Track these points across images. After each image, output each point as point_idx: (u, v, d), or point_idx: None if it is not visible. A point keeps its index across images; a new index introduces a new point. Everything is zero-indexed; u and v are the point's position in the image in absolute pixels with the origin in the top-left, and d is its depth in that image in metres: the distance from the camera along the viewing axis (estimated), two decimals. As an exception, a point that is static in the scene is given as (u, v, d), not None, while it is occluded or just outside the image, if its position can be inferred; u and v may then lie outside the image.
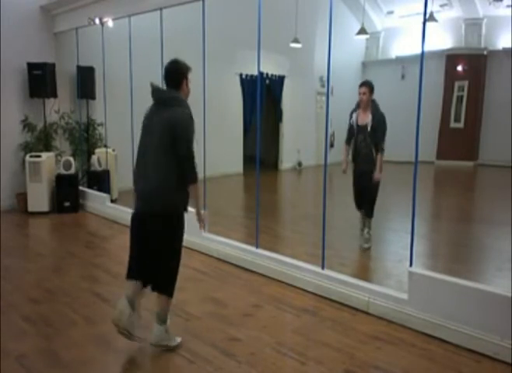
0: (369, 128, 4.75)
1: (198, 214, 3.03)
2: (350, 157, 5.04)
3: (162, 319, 2.95)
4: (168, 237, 2.91)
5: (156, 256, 2.91)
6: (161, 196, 2.85)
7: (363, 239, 5.01)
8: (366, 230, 5.00)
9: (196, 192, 2.92)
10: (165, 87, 2.99)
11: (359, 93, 4.81)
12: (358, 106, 4.92)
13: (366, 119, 4.79)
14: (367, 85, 4.80)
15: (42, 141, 7.42)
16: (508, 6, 11.79)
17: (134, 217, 3.00)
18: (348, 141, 5.04)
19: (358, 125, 4.87)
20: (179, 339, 3.03)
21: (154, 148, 2.84)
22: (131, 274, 2.95)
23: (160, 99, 2.91)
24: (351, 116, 4.97)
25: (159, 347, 2.94)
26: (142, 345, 3.00)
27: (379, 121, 4.74)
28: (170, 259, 2.96)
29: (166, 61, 3.03)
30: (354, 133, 4.91)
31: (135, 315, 2.88)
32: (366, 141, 4.80)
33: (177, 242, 2.99)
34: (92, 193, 7.35)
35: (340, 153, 5.36)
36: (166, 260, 2.95)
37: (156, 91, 2.93)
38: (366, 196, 4.93)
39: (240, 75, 11.03)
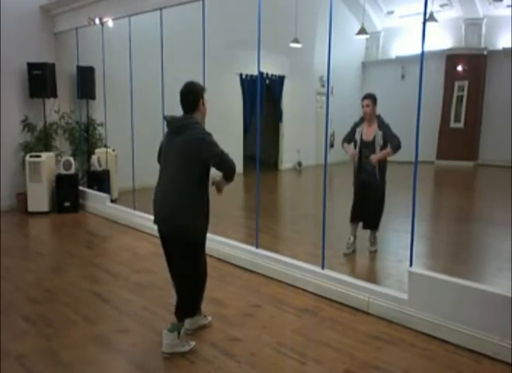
0: (377, 144, 4.62)
1: (221, 182, 3.03)
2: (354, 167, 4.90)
3: (171, 328, 2.92)
4: (189, 259, 2.92)
5: (178, 278, 3.01)
6: (188, 225, 2.87)
7: (370, 243, 4.98)
8: (349, 237, 4.96)
9: (230, 181, 2.99)
10: (181, 111, 3.01)
11: (363, 106, 4.69)
12: (362, 119, 4.80)
13: (372, 134, 4.66)
14: (370, 98, 4.68)
15: (42, 141, 7.42)
16: (508, 6, 11.78)
17: (163, 243, 3.05)
18: (345, 141, 4.90)
19: (363, 141, 4.72)
20: (192, 344, 2.99)
21: (175, 173, 2.87)
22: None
23: (175, 127, 2.94)
24: (354, 130, 4.83)
25: (172, 355, 2.90)
26: (141, 345, 3.00)
27: (387, 132, 4.63)
28: (191, 284, 2.99)
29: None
30: (356, 143, 4.79)
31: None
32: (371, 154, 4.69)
33: (199, 267, 3.00)
34: (92, 193, 7.35)
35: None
36: (187, 284, 2.98)
37: (170, 121, 2.97)
38: (371, 209, 4.84)
39: (240, 75, 11.02)
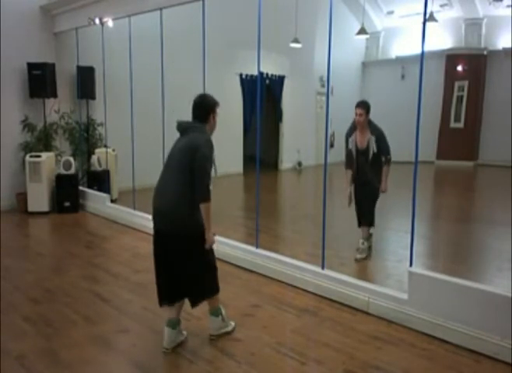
0: (372, 151, 4.61)
1: (207, 234, 2.91)
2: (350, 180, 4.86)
3: (215, 313, 3.11)
4: (196, 254, 2.93)
5: (189, 275, 2.95)
6: (185, 218, 2.86)
7: (360, 249, 4.82)
8: (361, 241, 4.83)
9: (207, 212, 2.84)
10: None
11: (356, 114, 4.60)
12: (354, 128, 4.74)
13: (366, 141, 4.64)
14: (363, 107, 4.58)
15: (42, 141, 7.42)
16: (508, 6, 11.78)
17: (157, 240, 2.99)
18: (348, 166, 4.81)
19: (358, 149, 4.70)
20: (233, 323, 3.25)
21: (176, 172, 2.89)
22: (166, 301, 3.00)
23: (182, 128, 2.99)
24: (347, 141, 4.77)
25: (220, 336, 3.12)
26: (142, 345, 3.00)
27: (381, 138, 4.62)
28: (205, 272, 3.00)
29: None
30: (353, 157, 4.75)
31: (179, 331, 3.05)
32: (368, 163, 4.67)
33: (208, 255, 3.00)
34: (92, 193, 7.35)
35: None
36: (202, 274, 2.99)
37: (179, 124, 3.02)
38: (365, 207, 4.83)
39: (240, 75, 11.02)
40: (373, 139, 4.61)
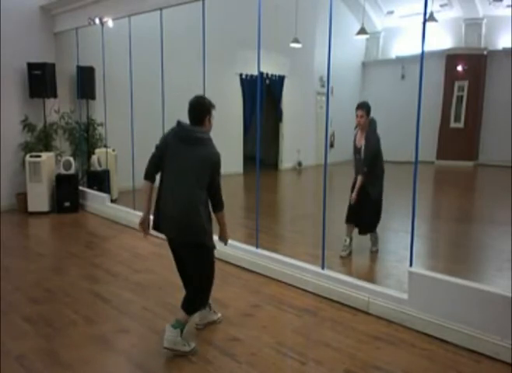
0: (362, 151, 4.70)
1: (226, 233, 3.26)
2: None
3: (177, 325, 2.90)
4: (202, 263, 3.01)
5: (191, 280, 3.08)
6: (198, 226, 2.94)
7: (344, 247, 4.86)
8: (344, 238, 4.88)
9: (223, 217, 3.19)
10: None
11: (356, 116, 4.68)
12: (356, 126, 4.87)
13: (362, 141, 4.72)
14: (364, 108, 4.64)
15: (42, 141, 7.42)
16: (508, 6, 11.79)
17: (171, 247, 3.11)
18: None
19: (355, 146, 4.82)
20: (193, 345, 2.97)
21: (192, 181, 2.92)
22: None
23: (189, 137, 2.95)
24: (355, 137, 4.89)
25: (173, 351, 2.89)
26: (142, 345, 3.00)
27: (370, 146, 4.63)
28: (202, 283, 3.04)
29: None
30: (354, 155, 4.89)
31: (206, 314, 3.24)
32: (361, 161, 4.74)
33: (210, 267, 3.08)
34: (92, 193, 7.35)
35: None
36: (199, 284, 3.05)
37: (183, 130, 2.98)
38: (365, 214, 4.79)
39: (240, 75, 11.02)
40: (364, 143, 4.67)
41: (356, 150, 4.82)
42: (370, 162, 4.65)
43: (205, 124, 3.02)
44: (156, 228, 3.03)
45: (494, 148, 12.78)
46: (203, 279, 3.02)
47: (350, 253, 4.88)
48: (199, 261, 2.97)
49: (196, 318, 3.22)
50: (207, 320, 3.32)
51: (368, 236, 5.00)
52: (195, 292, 3.02)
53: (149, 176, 3.03)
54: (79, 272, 4.49)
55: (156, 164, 3.02)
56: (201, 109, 3.01)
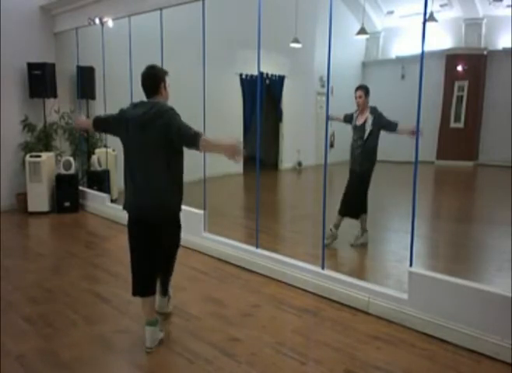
0: (368, 128, 4.83)
1: (225, 146, 2.76)
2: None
3: (164, 293, 3.39)
4: (177, 238, 3.29)
5: (167, 257, 3.25)
6: (169, 204, 2.97)
7: (327, 235, 4.89)
8: (330, 227, 5.01)
9: (208, 143, 2.73)
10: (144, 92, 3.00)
11: (356, 97, 4.97)
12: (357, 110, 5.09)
13: (363, 119, 4.91)
14: (362, 89, 4.96)
15: (42, 141, 7.42)
16: (508, 6, 11.79)
17: (138, 229, 2.96)
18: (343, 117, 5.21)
19: (356, 125, 5.00)
20: (171, 307, 3.49)
21: (149, 155, 2.83)
22: (145, 291, 3.01)
23: (146, 115, 2.84)
24: (352, 115, 5.11)
25: (161, 315, 3.33)
26: (141, 345, 3.00)
27: (380, 116, 4.85)
28: (175, 254, 3.35)
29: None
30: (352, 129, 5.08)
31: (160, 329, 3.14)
32: (362, 140, 4.89)
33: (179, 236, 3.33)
34: (92, 193, 7.35)
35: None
36: (174, 256, 3.34)
37: (139, 106, 2.90)
38: (349, 196, 4.98)
39: (240, 75, 11.02)
40: (370, 117, 4.84)
41: (357, 128, 4.95)
42: (390, 120, 4.79)
43: (161, 92, 2.96)
44: (125, 208, 3.03)
45: (494, 148, 12.77)
46: (175, 257, 3.30)
47: (333, 241, 5.04)
48: (175, 237, 3.22)
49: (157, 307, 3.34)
50: (164, 310, 3.45)
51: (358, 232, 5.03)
52: (168, 273, 3.33)
53: (96, 123, 3.18)
54: (79, 272, 4.49)
55: (109, 122, 3.07)
56: (153, 78, 2.94)
